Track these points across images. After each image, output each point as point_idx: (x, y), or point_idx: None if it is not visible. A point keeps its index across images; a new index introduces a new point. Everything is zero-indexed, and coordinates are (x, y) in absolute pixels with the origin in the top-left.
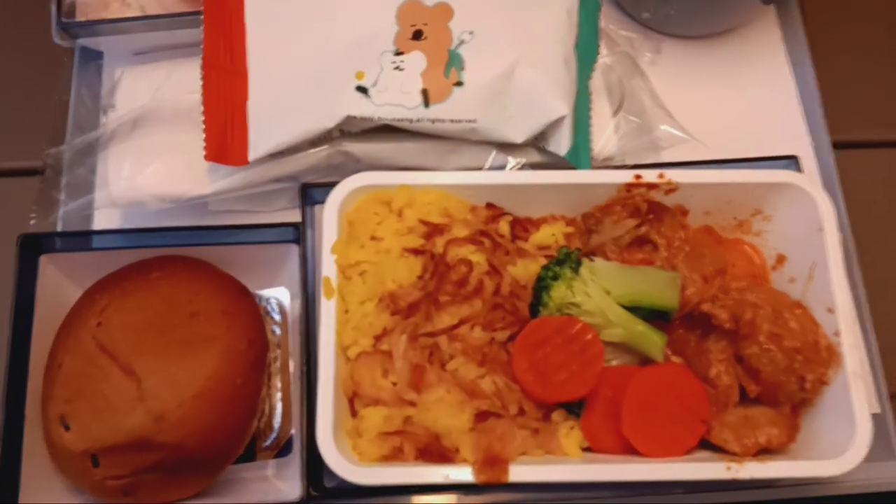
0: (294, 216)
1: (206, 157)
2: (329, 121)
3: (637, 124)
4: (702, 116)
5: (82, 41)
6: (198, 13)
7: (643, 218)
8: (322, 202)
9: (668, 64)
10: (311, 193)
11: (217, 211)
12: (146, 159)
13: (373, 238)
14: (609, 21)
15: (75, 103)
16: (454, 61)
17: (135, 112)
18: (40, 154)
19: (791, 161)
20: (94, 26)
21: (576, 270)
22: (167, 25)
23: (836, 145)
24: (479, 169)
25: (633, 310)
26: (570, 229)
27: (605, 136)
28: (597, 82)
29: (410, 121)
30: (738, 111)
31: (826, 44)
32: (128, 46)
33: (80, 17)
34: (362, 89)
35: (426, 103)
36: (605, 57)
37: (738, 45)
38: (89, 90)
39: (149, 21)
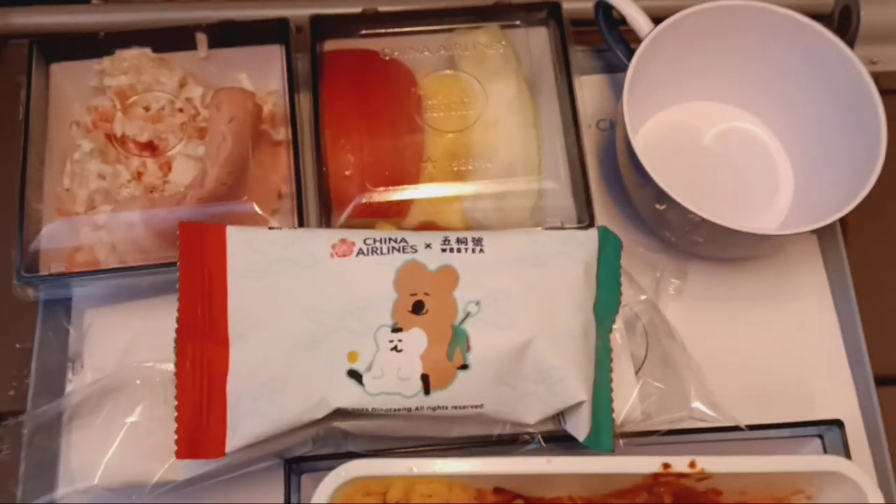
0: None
1: (178, 455)
2: (317, 412)
3: (663, 392)
4: (730, 351)
5: (46, 294)
6: (174, 265)
7: None
8: (309, 472)
9: (694, 289)
10: (297, 468)
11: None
12: (109, 444)
13: None
14: (631, 243)
15: (39, 352)
16: (458, 339)
17: (100, 384)
18: None
19: (834, 427)
20: (59, 280)
21: None
22: (140, 275)
23: (879, 381)
24: (488, 438)
25: None
26: None
27: (629, 404)
28: (617, 333)
29: (409, 410)
30: (772, 344)
31: (869, 275)
32: (98, 292)
33: (44, 265)
34: (355, 374)
35: (426, 390)
36: (625, 306)
37: (773, 270)
38: (56, 335)
39: (120, 273)
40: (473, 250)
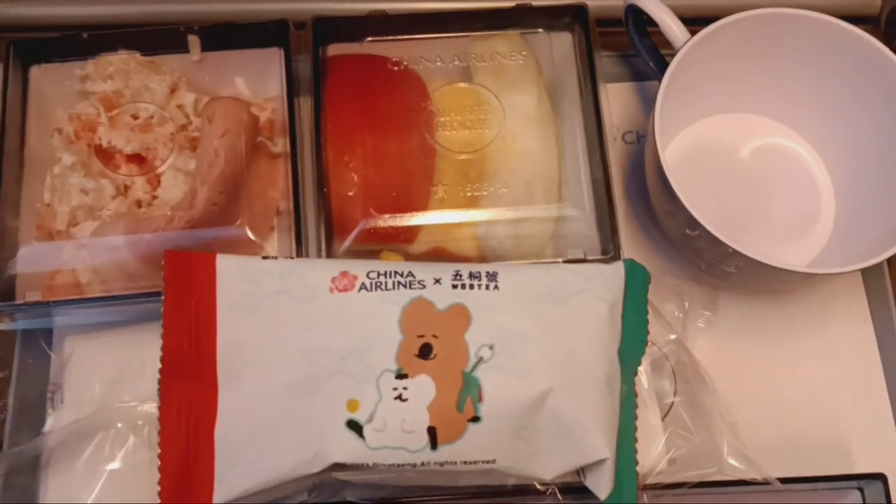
0: None
1: None
2: (312, 466)
3: (692, 443)
4: (762, 391)
5: (24, 323)
6: (160, 294)
7: None
8: None
9: (725, 322)
10: None
11: None
12: (89, 491)
13: None
14: (659, 270)
15: (18, 381)
16: (469, 387)
17: (79, 424)
18: None
19: (876, 481)
20: (37, 308)
21: None
22: (125, 304)
23: None
24: (500, 489)
25: None
26: None
27: (655, 455)
28: (643, 376)
29: (414, 465)
30: (808, 385)
31: None
32: (80, 319)
33: (20, 293)
34: (355, 425)
35: (433, 444)
36: (652, 345)
37: (810, 303)
38: (36, 361)
39: (103, 303)
40: (487, 286)
